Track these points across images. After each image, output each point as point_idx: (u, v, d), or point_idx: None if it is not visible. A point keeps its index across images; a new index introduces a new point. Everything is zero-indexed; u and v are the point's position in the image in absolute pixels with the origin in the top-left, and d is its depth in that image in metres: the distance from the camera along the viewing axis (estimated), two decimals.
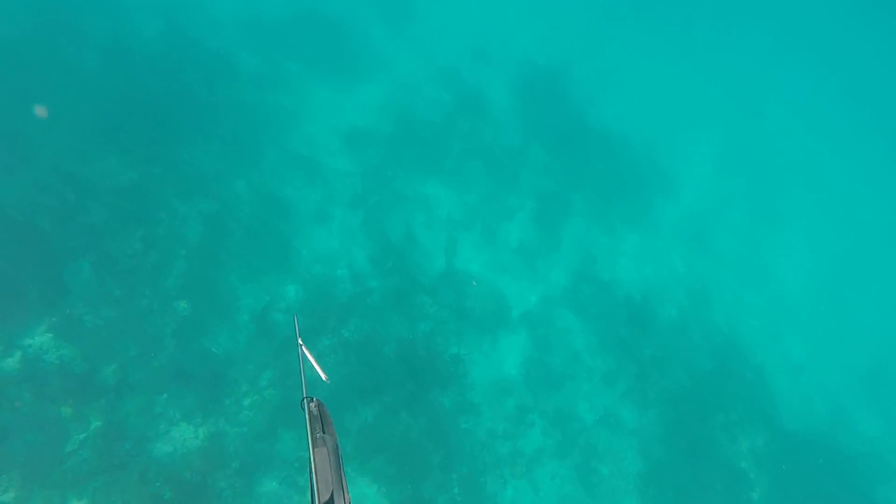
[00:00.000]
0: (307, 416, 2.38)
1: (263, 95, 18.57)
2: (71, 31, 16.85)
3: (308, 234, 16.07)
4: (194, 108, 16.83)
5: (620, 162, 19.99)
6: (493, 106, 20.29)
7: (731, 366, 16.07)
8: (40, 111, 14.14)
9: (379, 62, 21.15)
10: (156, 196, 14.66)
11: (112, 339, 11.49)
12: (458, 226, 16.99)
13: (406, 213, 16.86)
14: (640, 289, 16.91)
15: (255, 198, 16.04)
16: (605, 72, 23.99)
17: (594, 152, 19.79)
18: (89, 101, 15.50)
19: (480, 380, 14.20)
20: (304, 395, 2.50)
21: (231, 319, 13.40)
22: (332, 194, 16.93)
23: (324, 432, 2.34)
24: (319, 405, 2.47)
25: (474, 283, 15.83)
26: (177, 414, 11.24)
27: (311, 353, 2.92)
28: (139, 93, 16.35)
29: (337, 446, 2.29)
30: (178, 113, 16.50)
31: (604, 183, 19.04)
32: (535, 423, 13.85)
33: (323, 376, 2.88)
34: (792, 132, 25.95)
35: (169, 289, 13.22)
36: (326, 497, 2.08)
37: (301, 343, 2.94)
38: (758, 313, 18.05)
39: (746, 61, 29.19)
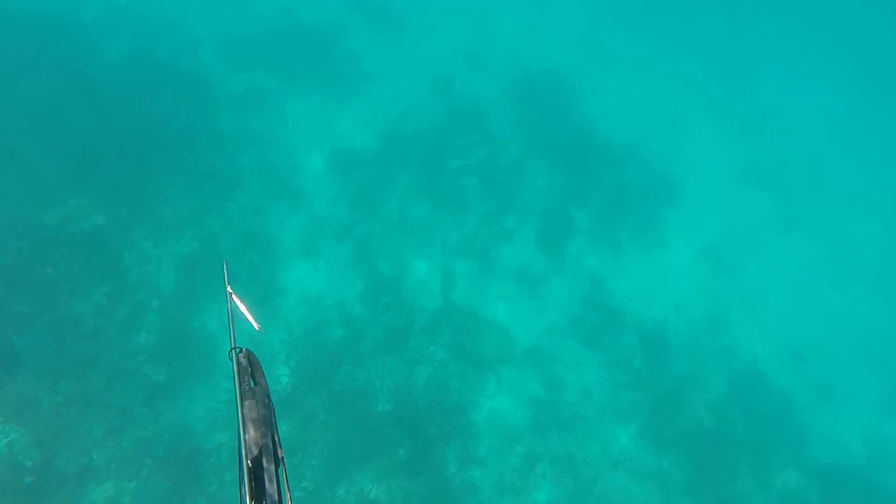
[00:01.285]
0: (235, 368, 2.21)
1: (240, 118, 17.23)
2: (25, 55, 15.40)
3: (293, 271, 14.87)
4: (164, 138, 15.55)
5: (626, 174, 18.63)
6: (488, 118, 18.90)
7: (753, 395, 14.92)
8: None
9: (365, 73, 19.76)
10: (123, 241, 13.41)
11: (73, 417, 10.26)
12: (454, 253, 15.76)
13: (398, 242, 15.65)
14: (652, 314, 15.70)
15: (234, 234, 14.77)
16: (609, 77, 22.48)
17: (598, 164, 18.46)
18: (47, 135, 14.16)
19: (485, 428, 13.06)
20: (233, 346, 2.33)
21: (210, 380, 12.20)
22: (318, 225, 15.70)
23: (254, 384, 2.16)
24: (249, 355, 2.30)
25: None
26: None
27: (241, 302, 2.68)
28: (103, 123, 15.09)
29: (268, 397, 2.12)
30: (147, 144, 15.21)
31: (609, 197, 17.75)
32: (545, 474, 12.73)
33: (256, 326, 2.65)
34: (813, 141, 24.34)
35: (140, 348, 12.03)
36: (256, 451, 1.92)
37: (230, 291, 2.69)
38: (779, 335, 16.82)
39: (764, 64, 27.45)
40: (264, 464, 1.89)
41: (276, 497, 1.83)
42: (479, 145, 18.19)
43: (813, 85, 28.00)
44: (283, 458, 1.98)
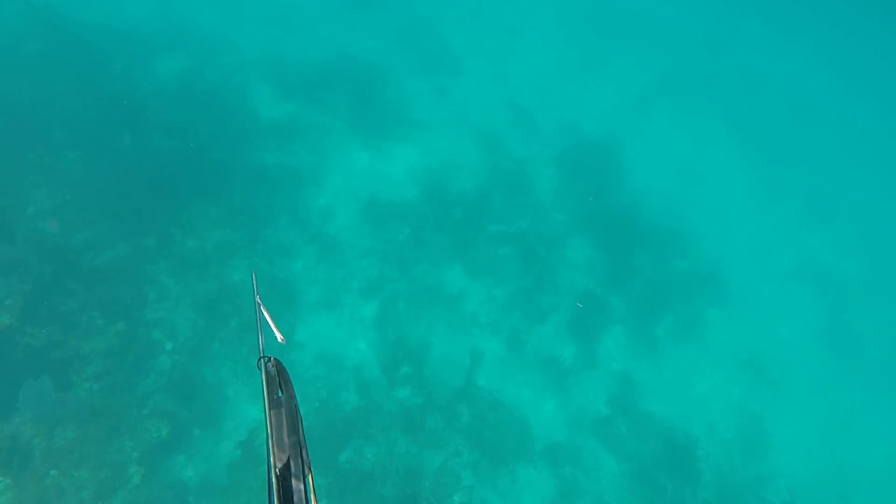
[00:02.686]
0: (264, 377, 2.23)
1: (281, 151, 16.92)
2: (79, 69, 15.24)
3: (313, 324, 14.32)
4: (201, 167, 15.26)
5: (670, 263, 17.96)
6: (533, 183, 18.44)
7: None
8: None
9: (412, 119, 19.45)
10: (146, 274, 12.97)
11: (63, 473, 9.65)
12: (483, 328, 15.13)
13: (426, 308, 15.06)
14: (683, 427, 14.85)
15: (259, 277, 14.23)
16: (660, 155, 21.95)
17: (642, 248, 17.83)
18: (86, 155, 13.88)
19: None
20: (262, 355, 2.35)
21: (214, 436, 11.57)
22: (346, 277, 15.17)
23: (282, 393, 2.20)
24: (277, 364, 2.31)
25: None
26: None
27: (268, 312, 2.74)
28: (143, 147, 14.74)
29: (296, 407, 2.16)
30: (182, 172, 14.91)
31: (650, 286, 17.06)
32: None
33: (279, 337, 2.66)
34: (876, 241, 23.34)
35: (146, 394, 11.47)
36: (283, 461, 1.94)
37: (259, 301, 2.74)
38: (822, 469, 15.81)
39: (824, 152, 26.65)
40: (293, 472, 1.90)
41: None
42: (521, 212, 17.68)
43: (879, 179, 27.11)
44: (310, 466, 1.98)
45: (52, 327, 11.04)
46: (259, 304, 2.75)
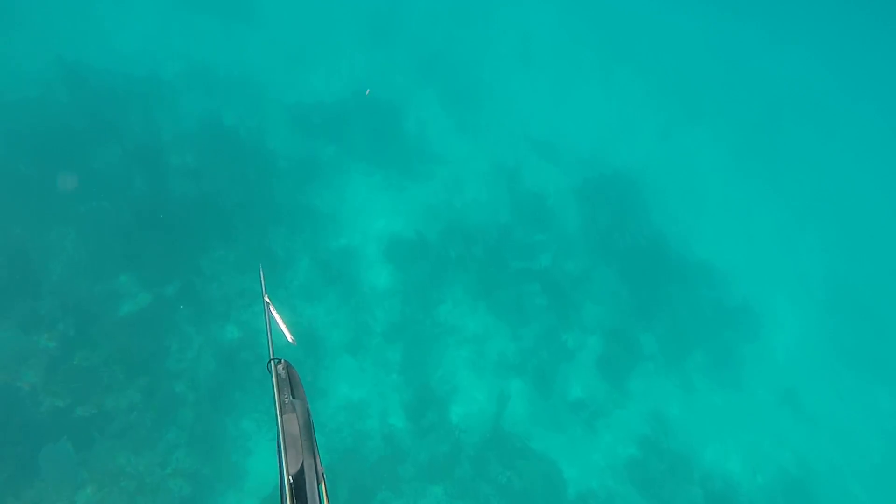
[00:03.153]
0: (274, 380, 2.19)
1: (300, 192, 16.93)
2: (106, 119, 15.43)
3: (336, 369, 14.13)
4: (222, 211, 15.20)
5: (700, 295, 17.49)
6: (556, 217, 18.20)
7: None
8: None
9: (431, 154, 19.42)
10: (168, 323, 12.90)
11: None
12: (509, 370, 14.81)
13: (450, 350, 14.84)
14: (722, 468, 14.30)
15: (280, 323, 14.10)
16: (691, 184, 21.57)
17: (670, 282, 17.42)
18: (110, 203, 13.97)
19: None
20: (272, 357, 2.31)
21: (237, 494, 11.33)
22: (369, 320, 15.00)
23: (293, 397, 2.17)
24: (288, 367, 2.27)
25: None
26: None
27: (277, 312, 2.66)
28: (164, 193, 14.76)
29: (307, 411, 2.14)
30: (203, 217, 14.86)
31: (680, 321, 16.60)
32: None
33: (290, 338, 2.60)
34: None
35: (169, 449, 11.30)
36: (297, 467, 1.91)
37: (267, 300, 2.68)
38: None
39: (857, 177, 26.01)
40: (305, 477, 1.87)
41: None
42: (544, 247, 17.42)
43: None
44: (323, 472, 1.95)
45: (75, 384, 10.97)
46: (268, 304, 2.67)
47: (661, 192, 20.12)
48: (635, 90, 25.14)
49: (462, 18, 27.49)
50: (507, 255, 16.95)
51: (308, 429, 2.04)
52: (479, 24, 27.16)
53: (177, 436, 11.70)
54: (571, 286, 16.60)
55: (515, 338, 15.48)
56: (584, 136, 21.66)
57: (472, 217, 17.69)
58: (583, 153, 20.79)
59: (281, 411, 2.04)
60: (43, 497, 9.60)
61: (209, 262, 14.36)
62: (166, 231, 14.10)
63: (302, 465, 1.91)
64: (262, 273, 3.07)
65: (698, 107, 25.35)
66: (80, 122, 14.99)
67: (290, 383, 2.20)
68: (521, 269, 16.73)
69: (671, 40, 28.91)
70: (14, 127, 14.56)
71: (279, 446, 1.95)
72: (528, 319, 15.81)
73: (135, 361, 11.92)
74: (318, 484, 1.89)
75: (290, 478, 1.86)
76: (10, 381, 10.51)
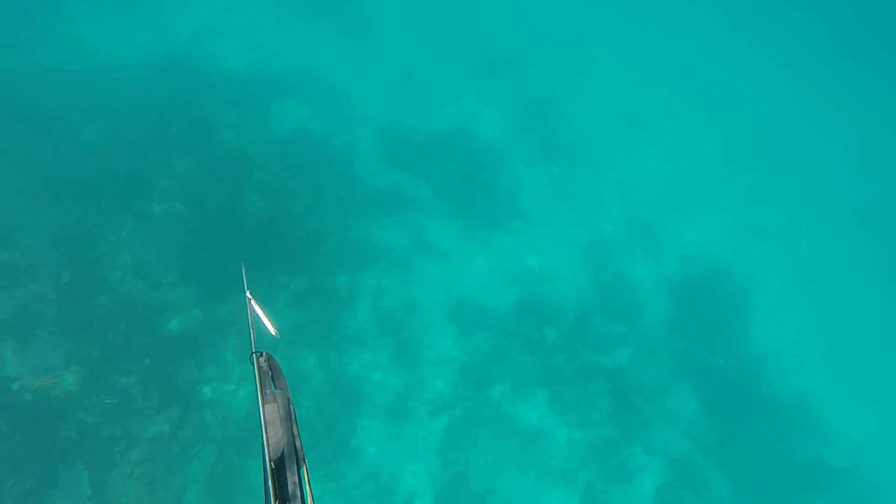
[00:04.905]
0: (256, 372, 2.27)
1: (377, 223, 16.50)
2: (197, 121, 15.41)
3: (372, 431, 13.29)
4: (292, 234, 14.80)
5: (795, 444, 15.40)
6: (642, 310, 16.71)
7: None
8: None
9: (519, 211, 18.49)
10: (212, 348, 12.47)
11: None
12: (556, 476, 13.51)
13: (497, 440, 13.68)
14: None
15: (325, 371, 13.47)
16: (804, 304, 19.24)
17: (759, 417, 15.55)
18: (184, 209, 13.81)
19: None
20: (253, 350, 2.40)
21: None
22: (416, 384, 14.07)
23: (275, 387, 2.26)
24: (270, 359, 2.37)
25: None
26: None
27: (259, 306, 2.76)
28: (239, 204, 14.48)
29: (289, 402, 2.18)
30: (271, 238, 14.55)
31: (765, 469, 14.71)
32: None
33: (272, 330, 2.70)
34: None
35: (183, 485, 10.82)
36: (278, 452, 1.98)
37: (249, 296, 2.80)
38: None
39: None
40: (287, 464, 1.93)
41: (299, 496, 1.87)
42: (623, 342, 15.97)
43: None
44: (304, 458, 2.02)
45: (108, 402, 10.67)
46: (249, 299, 2.79)
47: (771, 307, 18.04)
48: (756, 181, 23.01)
49: (579, 64, 26.33)
50: (580, 343, 15.62)
51: (289, 416, 2.09)
52: (599, 76, 25.89)
53: (196, 471, 11.23)
54: (644, 397, 15.06)
55: (570, 442, 14.13)
56: (692, 226, 19.87)
57: (551, 291, 16.49)
58: (687, 245, 19.03)
59: (263, 402, 2.10)
60: None
61: (267, 287, 13.97)
62: (233, 247, 13.80)
63: (283, 450, 1.96)
64: (243, 270, 3.22)
65: (825, 211, 22.87)
66: (177, 118, 15.00)
67: (273, 375, 2.29)
68: (593, 362, 15.36)
69: (801, 130, 26.52)
70: (117, 107, 14.76)
71: (261, 434, 2.01)
72: (588, 423, 14.43)
73: (171, 382, 11.58)
74: (300, 468, 1.93)
75: (272, 463, 1.92)
76: (48, 387, 10.32)
